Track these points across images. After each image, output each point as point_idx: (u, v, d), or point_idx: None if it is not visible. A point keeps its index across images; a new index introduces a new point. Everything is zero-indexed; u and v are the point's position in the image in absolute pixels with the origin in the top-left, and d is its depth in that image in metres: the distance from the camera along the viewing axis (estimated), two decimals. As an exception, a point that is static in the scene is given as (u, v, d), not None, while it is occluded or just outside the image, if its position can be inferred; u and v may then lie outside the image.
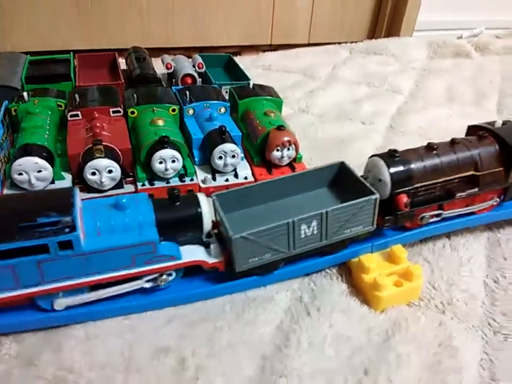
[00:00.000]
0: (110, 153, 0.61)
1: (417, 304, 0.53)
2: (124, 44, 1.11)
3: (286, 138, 0.68)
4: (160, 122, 0.66)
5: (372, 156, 0.57)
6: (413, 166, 0.54)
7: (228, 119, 0.74)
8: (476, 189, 0.57)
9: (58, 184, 0.62)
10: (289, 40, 1.41)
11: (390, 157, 0.54)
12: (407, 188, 0.54)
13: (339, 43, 1.38)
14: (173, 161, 0.63)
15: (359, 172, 0.57)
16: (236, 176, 0.68)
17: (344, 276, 0.56)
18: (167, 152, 0.62)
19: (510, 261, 0.59)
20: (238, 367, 0.45)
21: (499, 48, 1.42)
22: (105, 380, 0.43)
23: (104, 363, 0.44)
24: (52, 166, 0.62)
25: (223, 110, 0.75)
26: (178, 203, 0.49)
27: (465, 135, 0.63)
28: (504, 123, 0.62)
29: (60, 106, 0.72)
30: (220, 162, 0.66)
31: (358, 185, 0.54)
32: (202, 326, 0.48)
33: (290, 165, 0.71)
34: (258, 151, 0.71)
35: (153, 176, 0.64)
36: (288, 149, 0.69)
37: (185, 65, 0.91)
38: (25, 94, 0.71)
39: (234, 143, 0.67)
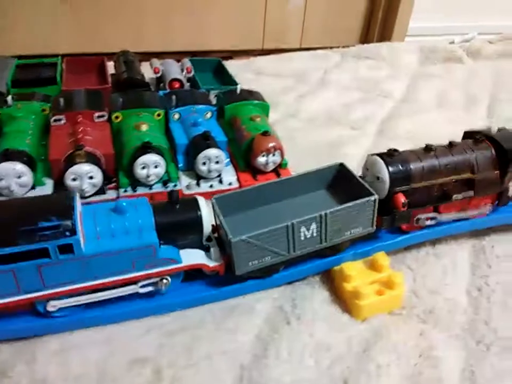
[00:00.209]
0: (92, 159, 0.60)
1: (400, 312, 0.52)
2: (116, 48, 1.10)
3: (271, 144, 0.67)
4: (144, 127, 0.66)
5: (371, 155, 0.57)
6: (411, 165, 0.54)
7: (214, 124, 0.74)
8: (472, 192, 0.57)
9: (39, 190, 0.61)
10: (281, 45, 1.40)
11: (389, 155, 0.55)
12: (405, 187, 0.54)
13: (331, 48, 1.38)
14: (156, 167, 0.62)
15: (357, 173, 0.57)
16: (221, 181, 0.68)
17: (326, 284, 0.55)
18: (150, 158, 0.61)
19: (494, 268, 0.59)
20: (215, 377, 0.44)
21: (491, 54, 1.42)
22: (79, 391, 0.42)
23: (79, 374, 0.43)
24: (33, 171, 0.61)
25: (209, 114, 0.75)
26: (178, 206, 0.49)
27: (462, 140, 0.63)
28: (499, 129, 0.62)
29: (44, 110, 0.72)
30: (204, 168, 0.66)
31: (357, 186, 0.54)
32: (181, 335, 0.47)
33: (276, 171, 0.71)
34: (244, 156, 0.70)
35: (135, 182, 0.63)
36: (273, 155, 0.68)
37: (174, 70, 0.91)
38: (8, 98, 0.70)
39: (219, 148, 0.66)
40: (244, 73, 1.20)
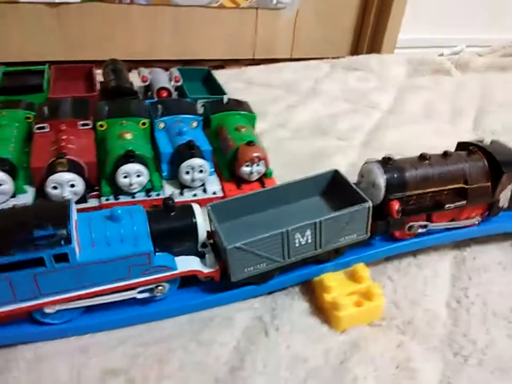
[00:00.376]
0: (74, 167, 0.60)
1: (379, 323, 0.52)
2: (106, 56, 1.11)
3: (255, 154, 0.67)
4: (128, 136, 0.66)
5: (366, 162, 0.57)
6: (406, 173, 0.55)
7: (200, 134, 0.74)
8: (464, 202, 0.58)
9: (20, 198, 0.61)
10: (272, 55, 1.42)
11: (385, 163, 0.56)
12: (399, 195, 0.55)
13: (321, 58, 1.39)
14: (138, 175, 0.62)
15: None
16: (205, 191, 0.68)
17: (306, 294, 0.55)
18: (132, 167, 0.61)
19: (475, 280, 0.59)
20: (190, 389, 0.44)
21: (480, 66, 1.43)
22: (51, 402, 0.42)
23: (51, 385, 0.43)
24: (15, 179, 0.61)
25: (195, 124, 0.75)
26: (173, 214, 0.49)
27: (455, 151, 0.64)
28: (491, 142, 0.63)
29: (29, 118, 0.72)
30: (187, 177, 0.66)
31: (351, 193, 0.55)
32: (155, 347, 0.47)
33: (260, 181, 0.71)
34: (228, 166, 0.70)
35: (118, 191, 0.63)
36: (258, 165, 0.68)
37: (162, 79, 0.91)
38: (-8, 105, 0.70)
39: (203, 157, 0.66)
40: (234, 82, 1.21)
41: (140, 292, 0.48)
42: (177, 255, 0.50)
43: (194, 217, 0.50)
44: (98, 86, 0.93)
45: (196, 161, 0.65)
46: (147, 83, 0.91)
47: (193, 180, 0.66)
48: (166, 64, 1.14)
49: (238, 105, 0.81)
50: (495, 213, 0.62)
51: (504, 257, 0.63)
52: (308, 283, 0.56)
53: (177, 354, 0.46)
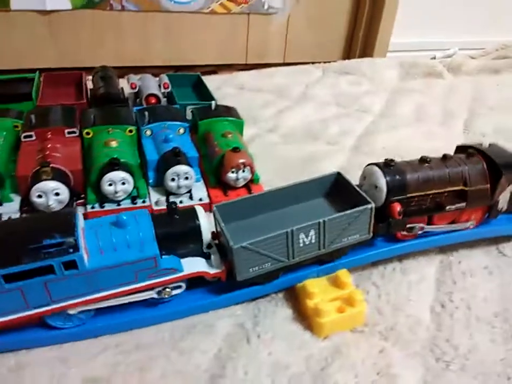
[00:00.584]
0: (58, 175, 0.60)
1: (361, 330, 0.52)
2: (98, 63, 1.11)
3: (240, 161, 0.68)
4: (114, 144, 0.66)
5: (368, 164, 0.59)
6: (407, 176, 0.56)
7: (186, 140, 0.74)
8: (464, 204, 0.59)
9: (6, 207, 0.61)
10: (265, 60, 1.42)
11: (386, 166, 0.57)
12: (401, 197, 0.56)
13: (313, 63, 1.39)
14: (123, 183, 0.62)
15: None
16: (191, 197, 0.68)
17: (289, 301, 0.55)
18: (117, 175, 0.61)
19: (460, 284, 0.59)
20: (170, 397, 0.44)
21: (472, 69, 1.43)
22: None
23: (31, 393, 0.43)
24: (1, 188, 0.61)
25: (182, 130, 0.75)
26: (177, 217, 0.51)
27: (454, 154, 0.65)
28: (490, 145, 0.64)
29: (17, 126, 0.72)
30: (173, 184, 0.66)
31: (354, 194, 0.56)
32: (137, 354, 0.47)
33: (247, 187, 0.71)
34: (214, 172, 0.70)
35: (103, 198, 0.63)
36: (243, 171, 0.69)
37: (151, 85, 0.91)
38: (-19, 114, 0.71)
39: (189, 164, 0.67)
40: (226, 87, 1.22)
41: (157, 292, 0.49)
42: (183, 257, 0.51)
43: (198, 220, 0.51)
44: (89, 93, 0.94)
45: (181, 168, 0.65)
46: (136, 90, 0.91)
47: (178, 187, 0.66)
48: (158, 70, 1.14)
49: (226, 111, 0.81)
50: (495, 215, 0.63)
51: (490, 262, 0.63)
52: (292, 289, 0.56)
53: (158, 362, 0.47)
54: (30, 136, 0.68)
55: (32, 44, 1.17)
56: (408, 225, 0.58)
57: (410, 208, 0.57)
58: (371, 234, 0.56)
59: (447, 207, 0.58)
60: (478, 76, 1.41)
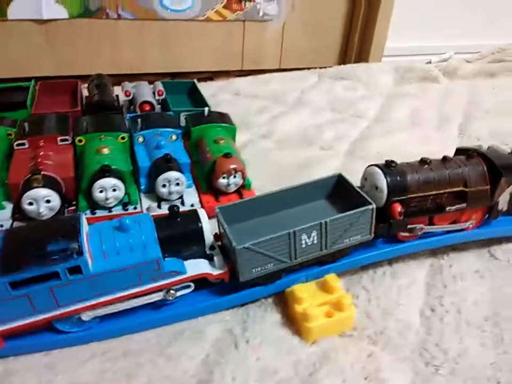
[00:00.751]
0: (50, 183, 0.61)
1: (350, 334, 0.52)
2: (96, 71, 1.12)
3: (231, 166, 0.68)
4: (105, 151, 0.66)
5: (369, 166, 0.59)
6: (408, 177, 0.57)
7: (179, 146, 0.74)
8: (464, 204, 0.59)
9: (-1, 214, 0.62)
10: (261, 66, 1.43)
11: (387, 167, 0.57)
12: (401, 197, 0.57)
13: (308, 68, 1.40)
14: (114, 190, 0.62)
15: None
16: (183, 203, 0.68)
17: (279, 306, 0.55)
18: (107, 181, 0.62)
19: (450, 288, 0.59)
20: (157, 403, 0.44)
21: (468, 73, 1.43)
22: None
23: (17, 401, 0.43)
24: (-7, 196, 0.61)
25: (174, 137, 0.75)
26: (179, 220, 0.51)
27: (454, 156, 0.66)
28: (489, 147, 0.65)
29: (10, 135, 0.73)
30: (164, 190, 0.66)
31: (355, 196, 0.56)
32: (124, 361, 0.47)
33: (239, 192, 0.72)
34: (206, 178, 0.71)
35: (95, 205, 0.64)
36: (235, 177, 0.69)
37: (145, 92, 0.92)
38: (-24, 123, 0.71)
39: (180, 170, 0.67)
40: (221, 94, 1.22)
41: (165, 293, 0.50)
42: (186, 259, 0.51)
43: (200, 222, 0.52)
44: (83, 101, 0.94)
45: (172, 174, 0.65)
46: (130, 97, 0.92)
47: (170, 193, 0.66)
48: (155, 78, 1.15)
49: (219, 117, 0.82)
50: (495, 216, 0.63)
51: (481, 265, 0.63)
52: (281, 294, 0.56)
53: (145, 368, 0.47)
54: (23, 144, 0.68)
55: (29, 53, 1.18)
56: (408, 226, 0.58)
57: (410, 209, 0.58)
58: (372, 235, 0.56)
59: (447, 208, 0.59)
60: (474, 79, 1.41)
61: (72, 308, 0.46)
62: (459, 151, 0.65)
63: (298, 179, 0.79)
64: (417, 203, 0.58)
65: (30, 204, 0.59)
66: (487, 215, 0.63)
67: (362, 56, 1.46)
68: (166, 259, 0.49)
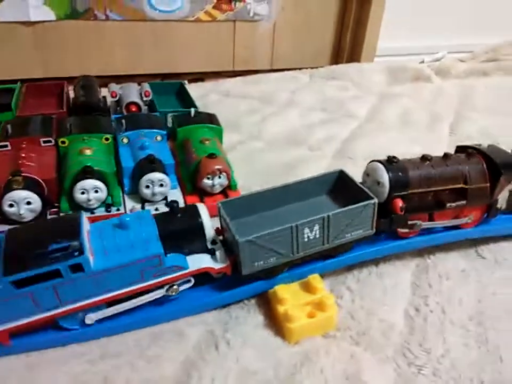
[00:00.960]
0: (31, 184, 0.60)
1: (333, 335, 0.52)
2: (86, 73, 1.12)
3: (216, 167, 0.67)
4: (88, 152, 0.66)
5: (371, 161, 0.60)
6: (409, 172, 0.57)
7: (164, 147, 0.74)
8: (464, 202, 0.60)
9: (-21, 216, 0.61)
10: (252, 67, 1.42)
11: (389, 162, 0.58)
12: (403, 193, 0.57)
13: (300, 69, 1.39)
14: (96, 191, 0.62)
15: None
16: (167, 204, 0.68)
17: (262, 307, 0.54)
18: (89, 183, 0.61)
19: (435, 288, 0.58)
20: (134, 406, 0.43)
21: (460, 72, 1.43)
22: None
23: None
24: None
25: (159, 138, 0.75)
26: (179, 215, 0.52)
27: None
28: (489, 146, 0.65)
29: (-7, 137, 0.72)
30: (147, 192, 0.65)
31: (357, 191, 0.57)
32: (102, 364, 0.46)
33: (224, 193, 0.71)
34: (191, 179, 0.70)
35: (77, 207, 0.63)
36: (220, 177, 0.68)
37: (131, 93, 0.91)
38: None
39: (164, 171, 0.66)
40: (211, 95, 1.22)
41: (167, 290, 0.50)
42: (188, 254, 0.52)
43: (200, 217, 0.52)
44: (70, 103, 0.94)
45: (156, 175, 0.65)
46: (116, 98, 0.91)
47: (153, 194, 0.66)
48: (146, 79, 1.14)
49: (205, 118, 0.81)
50: (494, 214, 0.63)
51: (468, 265, 0.63)
52: (264, 295, 0.55)
53: (123, 371, 0.46)
54: (5, 145, 0.68)
55: (17, 55, 1.17)
56: (409, 222, 0.59)
57: (411, 204, 0.58)
58: (374, 230, 0.56)
59: (448, 205, 0.59)
60: (467, 79, 1.41)
61: (76, 305, 0.47)
62: (459, 149, 0.65)
63: (284, 180, 0.79)
64: (418, 199, 0.58)
65: (11, 205, 0.58)
66: (486, 214, 0.63)
67: (354, 56, 1.46)
68: (167, 255, 0.49)
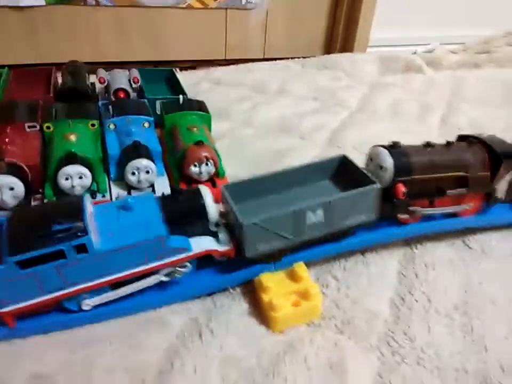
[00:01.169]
0: (14, 170, 0.59)
1: (318, 323, 0.51)
2: (77, 58, 1.10)
3: (203, 154, 0.66)
4: (72, 138, 0.65)
5: (374, 146, 0.60)
6: (412, 158, 0.58)
7: (151, 134, 0.73)
8: (465, 189, 0.60)
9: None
10: (245, 55, 1.41)
11: (393, 147, 0.58)
12: (405, 178, 0.57)
13: (292, 58, 1.38)
14: (80, 177, 0.61)
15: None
16: (154, 192, 0.67)
17: (247, 295, 0.54)
18: (73, 169, 0.60)
19: (422, 277, 0.58)
20: (115, 394, 0.43)
21: (452, 63, 1.43)
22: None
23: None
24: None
25: (146, 124, 0.74)
26: (182, 197, 0.52)
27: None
28: (489, 135, 0.66)
29: (-23, 122, 0.70)
30: (133, 179, 0.64)
31: (359, 176, 0.57)
32: (85, 351, 0.46)
33: (212, 181, 0.70)
34: (178, 166, 0.69)
35: (61, 193, 0.62)
36: (207, 164, 0.67)
37: (119, 79, 0.90)
38: None
39: (150, 158, 0.65)
40: (202, 83, 1.21)
41: (166, 275, 0.50)
42: (191, 236, 0.51)
43: (203, 199, 0.52)
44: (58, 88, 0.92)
45: (141, 162, 0.64)
46: (104, 84, 0.90)
47: (139, 181, 0.65)
48: (137, 66, 1.13)
49: (194, 105, 0.80)
50: (493, 203, 0.64)
51: (455, 254, 0.63)
52: (250, 283, 0.55)
53: (106, 358, 0.46)
54: (-12, 131, 0.66)
55: (7, 41, 1.15)
56: (410, 208, 0.59)
57: (413, 190, 0.58)
58: (377, 215, 0.57)
59: (448, 191, 0.60)
60: (459, 70, 1.40)
61: (80, 286, 0.47)
62: (460, 138, 0.66)
63: (273, 167, 0.78)
64: (420, 185, 0.59)
65: (-7, 191, 0.57)
66: (485, 203, 0.64)
67: (347, 46, 1.45)
68: (171, 237, 0.49)
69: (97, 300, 0.49)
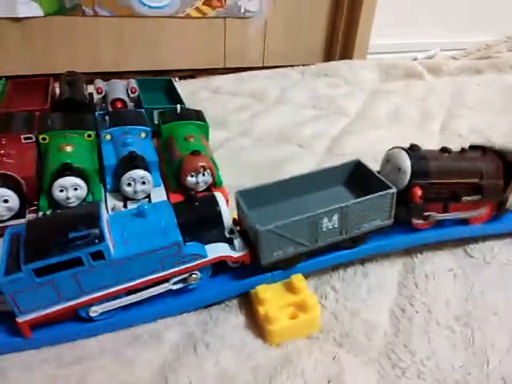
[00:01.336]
0: (8, 182, 0.59)
1: (316, 336, 0.50)
2: (75, 69, 1.10)
3: (200, 164, 0.66)
4: (68, 149, 0.64)
5: (392, 148, 0.60)
6: (430, 162, 0.57)
7: (147, 144, 0.72)
8: (479, 196, 0.60)
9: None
10: (244, 64, 1.41)
11: (411, 150, 0.58)
12: (423, 181, 0.57)
13: (292, 66, 1.38)
14: (75, 189, 0.60)
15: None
16: (150, 202, 0.66)
17: (244, 308, 0.53)
18: (68, 180, 0.60)
19: (422, 287, 0.57)
20: (108, 411, 0.42)
21: (452, 69, 1.42)
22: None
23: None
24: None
25: (143, 135, 0.73)
26: (197, 204, 0.52)
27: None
28: (500, 145, 0.65)
29: (-27, 134, 0.70)
30: (129, 189, 0.64)
31: (374, 181, 0.56)
32: (77, 366, 0.45)
33: (209, 191, 0.69)
34: (175, 176, 0.69)
35: (56, 205, 0.61)
36: (204, 175, 0.67)
37: (117, 90, 0.90)
38: None
39: (146, 169, 0.65)
40: (201, 92, 1.21)
41: (174, 283, 0.50)
42: (207, 243, 0.51)
43: (218, 205, 0.52)
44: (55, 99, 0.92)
45: (137, 173, 0.63)
46: (102, 94, 0.89)
47: (135, 192, 0.64)
48: (136, 76, 1.12)
49: (191, 114, 0.80)
50: (504, 212, 0.64)
51: (455, 264, 0.62)
52: (246, 296, 0.54)
53: (98, 374, 0.45)
54: (-16, 142, 0.66)
55: (4, 51, 1.15)
56: (425, 213, 0.58)
57: (429, 195, 0.58)
58: (392, 220, 0.56)
59: (463, 198, 0.59)
60: (459, 76, 1.40)
61: (98, 294, 0.46)
62: (473, 148, 0.65)
63: (272, 177, 0.78)
64: (436, 189, 0.58)
65: (-13, 203, 0.57)
66: (495, 212, 0.63)
67: (346, 53, 1.45)
68: (186, 243, 0.49)
69: (104, 306, 0.48)
